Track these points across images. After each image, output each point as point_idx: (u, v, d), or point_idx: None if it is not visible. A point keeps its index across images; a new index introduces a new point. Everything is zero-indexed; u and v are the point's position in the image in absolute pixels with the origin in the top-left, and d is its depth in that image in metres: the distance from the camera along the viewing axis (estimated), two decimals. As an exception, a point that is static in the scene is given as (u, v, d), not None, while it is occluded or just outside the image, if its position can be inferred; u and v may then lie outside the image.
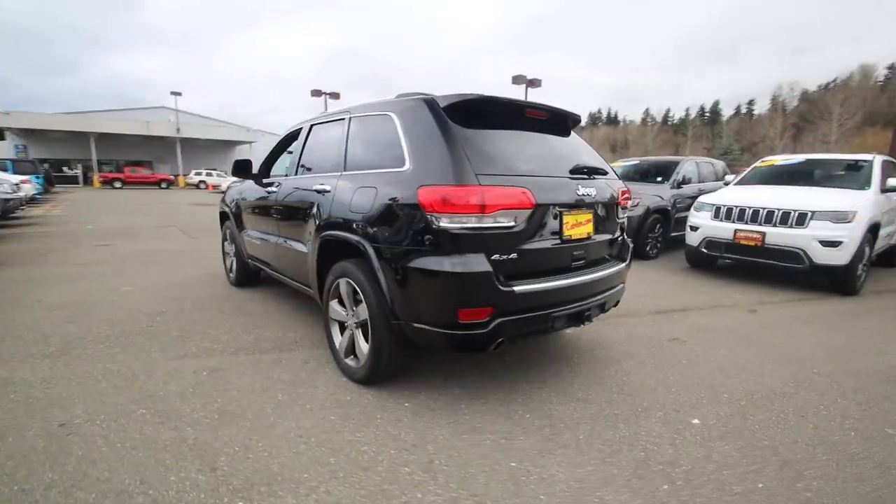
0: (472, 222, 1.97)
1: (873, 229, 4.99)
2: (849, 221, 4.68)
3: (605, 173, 2.68)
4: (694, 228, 5.78)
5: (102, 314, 3.69)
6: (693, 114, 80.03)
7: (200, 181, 33.47)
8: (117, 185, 31.91)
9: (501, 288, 2.01)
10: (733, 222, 5.32)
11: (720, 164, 8.94)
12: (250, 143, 41.28)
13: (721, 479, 1.79)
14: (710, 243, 5.54)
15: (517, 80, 22.22)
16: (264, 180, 3.93)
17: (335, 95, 27.85)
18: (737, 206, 5.32)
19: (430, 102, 2.26)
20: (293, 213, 3.15)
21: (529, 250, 2.16)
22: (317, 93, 27.26)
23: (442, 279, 1.98)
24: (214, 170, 36.92)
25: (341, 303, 2.65)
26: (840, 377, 2.78)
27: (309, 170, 3.17)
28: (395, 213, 2.14)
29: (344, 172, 2.64)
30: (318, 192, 2.78)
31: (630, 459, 1.90)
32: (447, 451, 1.92)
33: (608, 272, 2.53)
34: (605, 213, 2.60)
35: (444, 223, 1.97)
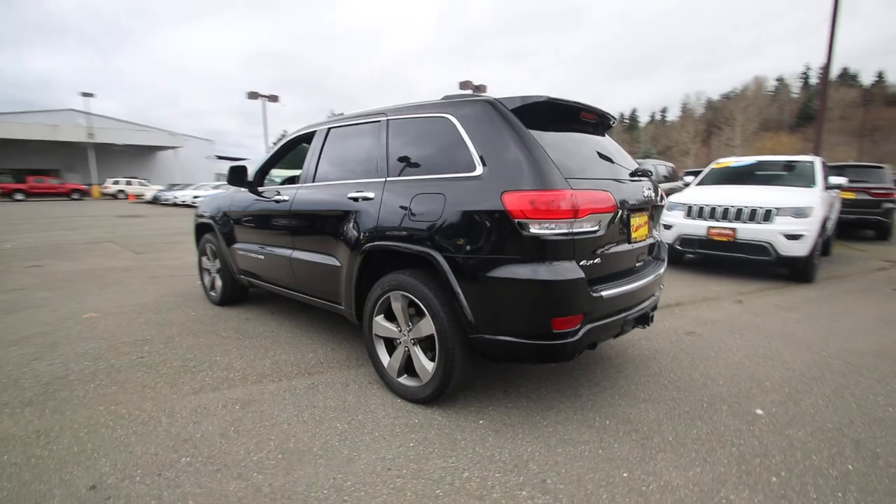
0: (563, 228, 1.90)
1: (824, 223, 5.58)
2: (808, 216, 5.19)
3: (651, 175, 2.74)
4: (667, 227, 6.13)
5: (74, 347, 3.16)
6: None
7: (119, 191, 30.41)
8: (19, 196, 28.10)
9: (592, 294, 1.96)
10: (706, 220, 5.70)
11: (671, 166, 9.62)
12: (175, 148, 38.20)
13: (815, 465, 1.86)
14: (684, 240, 5.90)
15: (464, 85, 22.49)
16: (260, 189, 3.60)
17: (274, 98, 26.59)
18: (708, 205, 5.71)
19: (497, 104, 2.16)
20: (317, 223, 2.88)
21: (608, 254, 2.13)
22: (254, 95, 25.86)
23: (535, 288, 1.88)
24: (134, 177, 33.73)
25: (389, 318, 2.46)
26: (849, 358, 3.05)
27: (331, 177, 2.94)
28: (475, 221, 2.01)
29: (389, 179, 2.45)
30: (355, 199, 2.57)
31: (727, 456, 1.92)
32: (552, 468, 1.83)
33: (660, 271, 2.58)
34: (653, 214, 2.64)
35: (535, 230, 1.89)
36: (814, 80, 71.68)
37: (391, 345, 2.52)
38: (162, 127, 39.72)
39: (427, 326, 2.21)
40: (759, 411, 2.31)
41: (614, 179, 2.28)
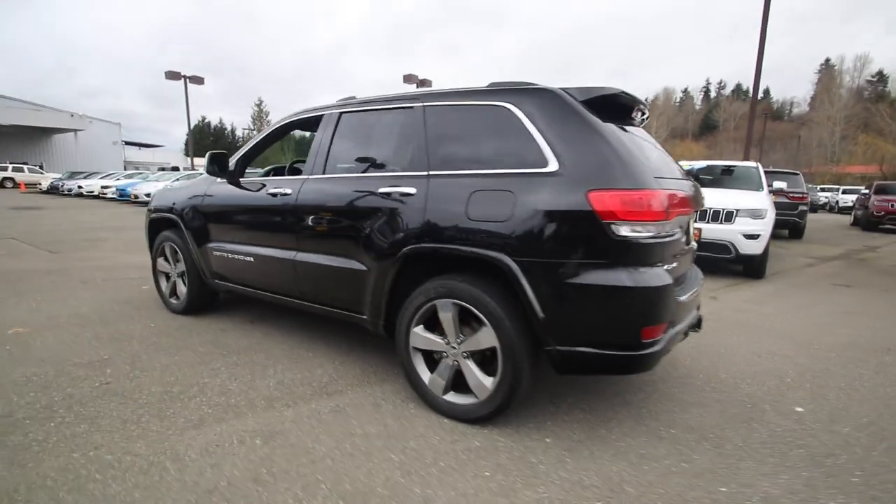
0: (653, 230, 1.77)
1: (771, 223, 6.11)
2: (763, 218, 5.63)
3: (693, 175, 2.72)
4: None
5: (8, 374, 2.51)
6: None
7: (6, 178, 26.19)
8: None
9: (678, 300, 1.86)
10: (673, 219, 5.99)
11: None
12: (76, 131, 33.64)
13: (882, 461, 1.91)
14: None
15: (408, 78, 22.08)
16: (243, 181, 3.13)
17: (198, 80, 24.28)
18: (675, 205, 6.00)
19: (567, 95, 1.98)
20: (333, 222, 2.52)
21: (680, 257, 2.05)
22: (174, 75, 23.40)
23: (627, 295, 1.74)
24: (24, 163, 29.23)
25: (430, 328, 2.20)
26: (838, 350, 3.28)
27: (349, 168, 2.59)
28: (554, 222, 1.82)
29: (433, 173, 2.18)
30: (389, 195, 2.27)
31: (801, 458, 1.92)
32: (650, 489, 1.70)
33: (700, 274, 2.57)
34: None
35: (625, 232, 1.74)
36: (713, 94, 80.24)
37: (430, 358, 2.26)
38: (56, 106, 34.67)
39: (487, 338, 1.99)
40: (799, 409, 2.37)
41: (680, 179, 2.20)
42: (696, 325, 2.35)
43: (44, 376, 2.51)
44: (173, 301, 3.72)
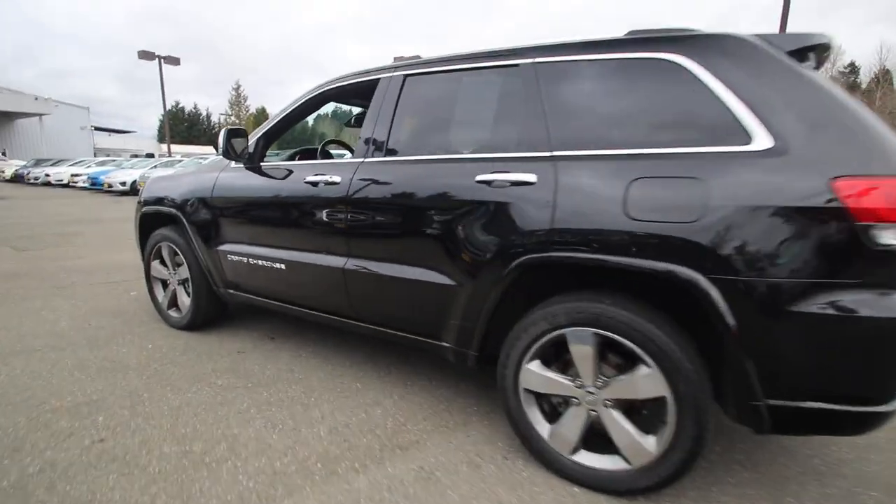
0: (925, 236, 1.22)
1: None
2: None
3: None
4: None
5: (-39, 430, 1.85)
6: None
7: (-37, 166, 24.40)
8: None
9: None
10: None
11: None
12: (40, 115, 31.59)
13: None
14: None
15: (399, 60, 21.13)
16: (266, 165, 2.48)
17: (173, 60, 22.84)
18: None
19: (767, 43, 1.41)
20: (406, 220, 1.90)
21: None
22: (148, 55, 21.95)
23: (891, 332, 1.20)
24: (-16, 150, 27.30)
25: (548, 364, 1.63)
26: None
27: (423, 148, 1.97)
28: (775, 223, 1.25)
29: (560, 153, 1.58)
30: (491, 185, 1.66)
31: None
32: None
33: None
34: None
35: (891, 240, 1.19)
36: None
37: (548, 403, 1.69)
38: (18, 89, 32.41)
39: (650, 384, 1.43)
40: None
41: None
42: None
43: (12, 431, 1.85)
44: (173, 314, 3.05)
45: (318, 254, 2.20)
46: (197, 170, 2.87)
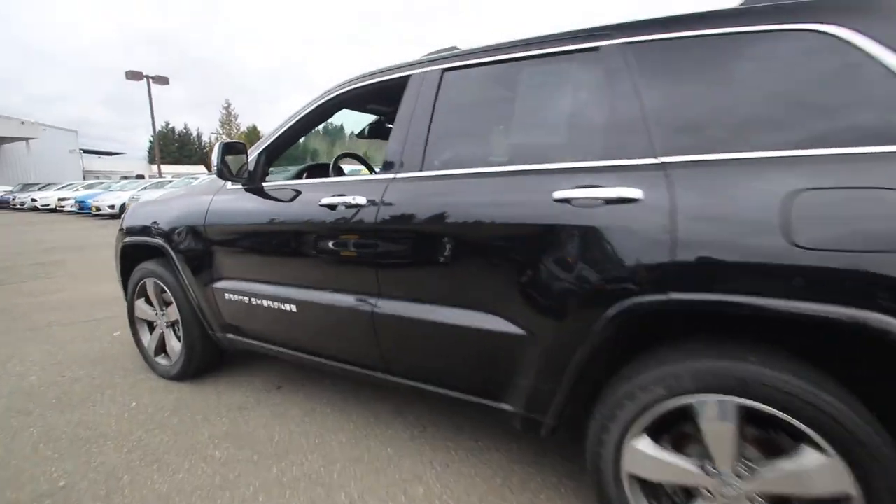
0: None
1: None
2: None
3: None
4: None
5: None
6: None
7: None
8: None
9: None
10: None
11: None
12: (27, 139, 31.05)
13: None
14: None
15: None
16: (268, 185, 2.08)
17: (162, 80, 22.52)
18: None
19: None
20: (459, 250, 1.48)
21: None
22: (135, 76, 21.61)
23: None
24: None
25: (669, 444, 1.22)
26: None
27: (473, 159, 1.58)
28: None
29: (673, 160, 1.19)
30: (575, 203, 1.27)
31: None
32: None
33: None
34: None
35: None
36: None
37: (661, 493, 1.28)
38: (6, 114, 31.85)
39: (826, 477, 1.02)
40: None
41: None
42: None
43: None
44: (161, 362, 2.61)
45: (338, 293, 1.78)
46: (187, 192, 2.46)
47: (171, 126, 61.75)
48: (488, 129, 1.66)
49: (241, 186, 2.13)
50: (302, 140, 2.28)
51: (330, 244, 1.77)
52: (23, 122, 30.60)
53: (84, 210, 16.06)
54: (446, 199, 1.51)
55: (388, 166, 1.70)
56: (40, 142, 32.51)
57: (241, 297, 2.11)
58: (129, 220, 2.69)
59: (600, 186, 1.25)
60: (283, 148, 2.17)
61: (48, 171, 32.14)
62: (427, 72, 1.69)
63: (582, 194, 1.27)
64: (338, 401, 2.31)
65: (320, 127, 2.37)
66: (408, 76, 1.74)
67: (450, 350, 1.56)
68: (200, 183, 2.42)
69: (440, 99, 1.64)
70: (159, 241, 2.39)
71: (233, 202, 2.15)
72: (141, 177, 27.69)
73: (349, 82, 1.97)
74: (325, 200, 1.78)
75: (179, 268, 2.31)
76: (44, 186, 22.10)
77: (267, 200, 2.04)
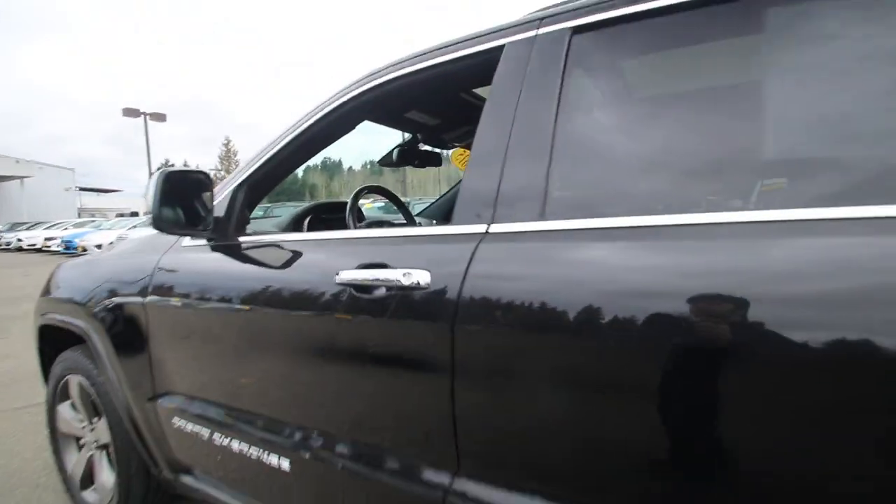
0: None
1: None
2: None
3: None
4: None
5: None
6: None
7: (-67, 234, 22.98)
8: None
9: None
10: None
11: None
12: (22, 178, 30.66)
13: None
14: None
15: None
16: (284, 242, 1.27)
17: (159, 117, 22.22)
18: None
19: None
20: (664, 365, 0.66)
21: None
22: (132, 112, 21.32)
23: None
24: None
25: None
26: None
27: (652, 195, 0.79)
28: None
29: None
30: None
31: None
32: None
33: None
34: None
35: None
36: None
37: None
38: (7, 154, 31.63)
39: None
40: None
41: None
42: None
43: None
44: (88, 499, 1.72)
45: (370, 456, 0.93)
46: (129, 246, 1.65)
47: (170, 163, 62.04)
48: (692, 139, 0.85)
49: (204, 242, 1.32)
50: (300, 170, 1.49)
51: (357, 363, 0.94)
52: (17, 161, 30.33)
53: (70, 250, 15.28)
54: (613, 275, 0.70)
55: (462, 213, 0.90)
56: (35, 180, 32.19)
57: (196, 428, 1.26)
58: (52, 287, 1.86)
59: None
60: (272, 181, 1.36)
61: (41, 209, 31.60)
62: (538, 35, 0.91)
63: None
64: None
65: (327, 150, 1.59)
66: (500, 46, 0.95)
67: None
68: (143, 237, 1.60)
69: (567, 85, 0.84)
70: (80, 322, 1.55)
71: (190, 266, 1.33)
72: (135, 214, 27.05)
73: (372, 76, 1.17)
74: (348, 276, 0.96)
75: (109, 367, 1.47)
76: (33, 225, 21.38)
77: (245, 266, 1.22)
